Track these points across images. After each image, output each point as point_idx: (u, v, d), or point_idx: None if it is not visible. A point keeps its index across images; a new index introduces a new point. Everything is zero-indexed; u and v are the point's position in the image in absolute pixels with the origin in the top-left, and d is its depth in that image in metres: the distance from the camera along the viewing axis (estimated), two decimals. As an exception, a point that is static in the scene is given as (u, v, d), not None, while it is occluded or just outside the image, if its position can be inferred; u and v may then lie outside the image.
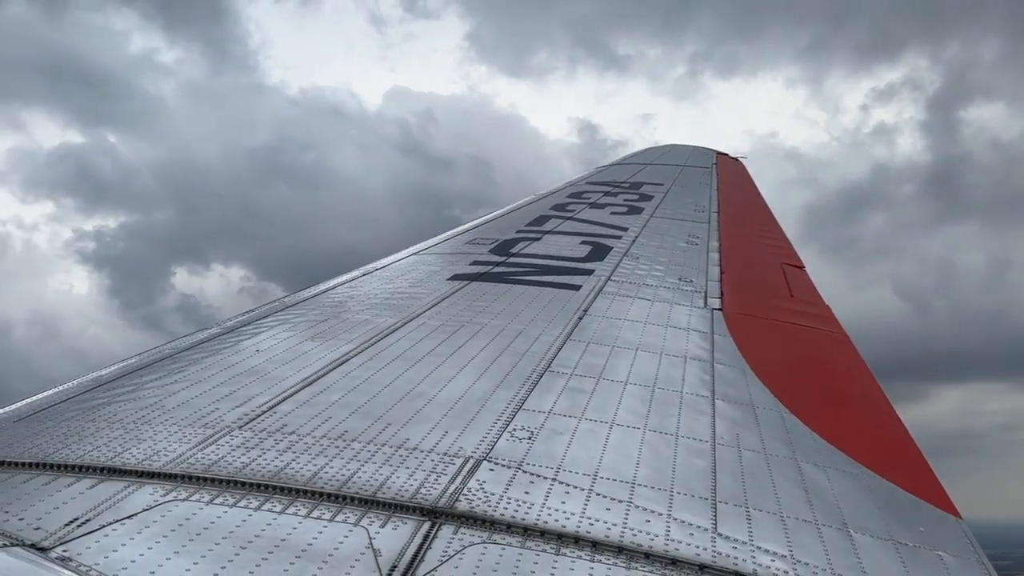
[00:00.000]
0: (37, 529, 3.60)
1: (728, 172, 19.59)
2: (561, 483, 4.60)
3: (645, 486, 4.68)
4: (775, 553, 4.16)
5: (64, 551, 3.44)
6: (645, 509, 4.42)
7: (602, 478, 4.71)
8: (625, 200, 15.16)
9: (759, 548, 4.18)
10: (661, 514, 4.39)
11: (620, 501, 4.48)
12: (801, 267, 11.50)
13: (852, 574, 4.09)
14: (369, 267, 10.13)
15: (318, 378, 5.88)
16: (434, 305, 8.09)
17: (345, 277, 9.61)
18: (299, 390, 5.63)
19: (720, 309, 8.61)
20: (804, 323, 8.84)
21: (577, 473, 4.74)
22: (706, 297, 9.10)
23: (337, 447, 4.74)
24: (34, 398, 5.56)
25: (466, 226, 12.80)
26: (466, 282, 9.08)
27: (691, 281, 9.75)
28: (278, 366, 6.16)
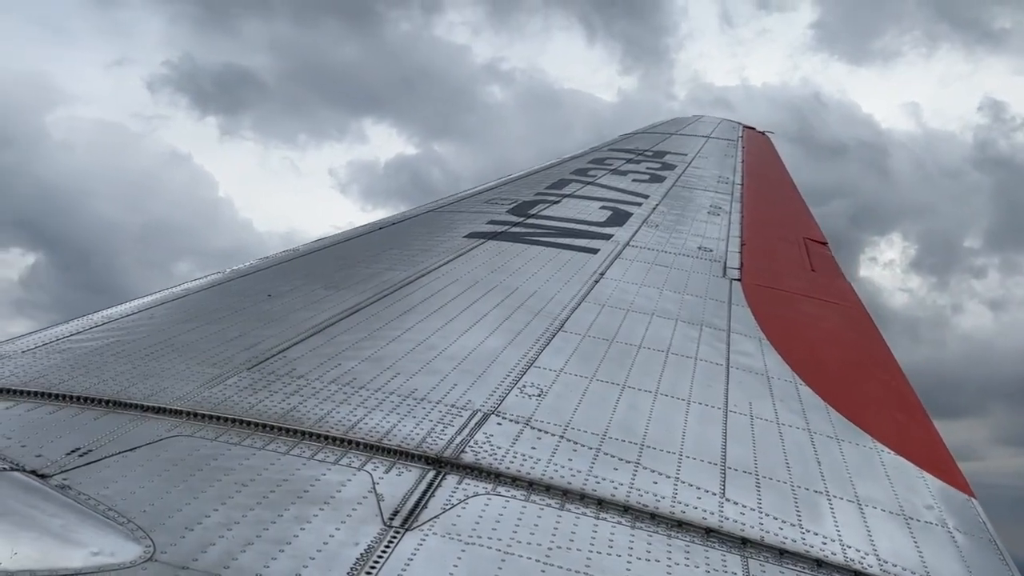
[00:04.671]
0: (39, 456, 3.58)
1: (754, 146, 19.26)
2: (569, 440, 4.53)
3: (654, 448, 4.60)
4: (784, 521, 4.08)
5: (64, 479, 3.41)
6: (653, 471, 4.34)
7: (611, 438, 4.63)
8: (648, 168, 14.94)
9: (767, 515, 4.10)
10: (669, 476, 4.32)
11: (628, 462, 4.40)
12: (824, 243, 11.29)
13: (863, 546, 4.00)
14: (385, 220, 10.04)
15: (328, 325, 5.82)
16: (449, 261, 8.00)
17: (361, 230, 9.54)
18: (309, 336, 5.58)
19: (739, 280, 8.47)
20: (824, 297, 8.68)
21: (585, 432, 4.66)
22: (725, 267, 8.95)
23: (345, 393, 4.69)
24: (42, 331, 5.54)
25: (485, 186, 12.67)
26: (482, 240, 8.97)
27: (710, 251, 9.59)
28: (289, 312, 6.11)
